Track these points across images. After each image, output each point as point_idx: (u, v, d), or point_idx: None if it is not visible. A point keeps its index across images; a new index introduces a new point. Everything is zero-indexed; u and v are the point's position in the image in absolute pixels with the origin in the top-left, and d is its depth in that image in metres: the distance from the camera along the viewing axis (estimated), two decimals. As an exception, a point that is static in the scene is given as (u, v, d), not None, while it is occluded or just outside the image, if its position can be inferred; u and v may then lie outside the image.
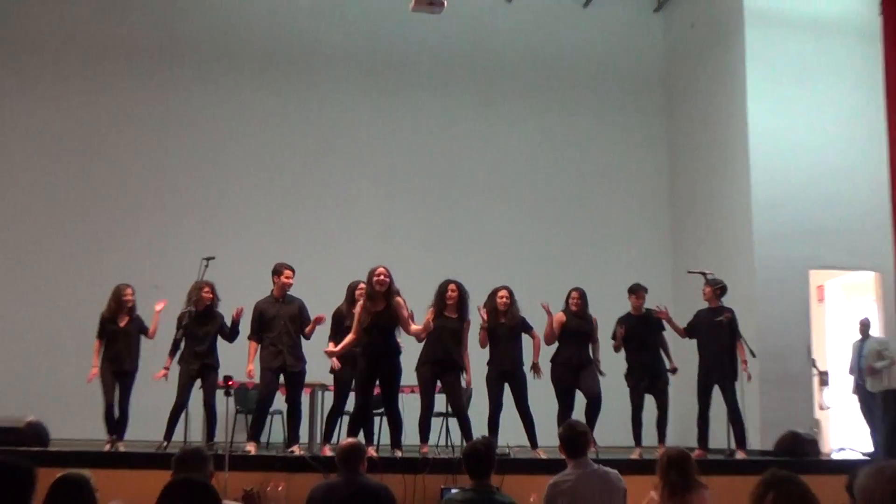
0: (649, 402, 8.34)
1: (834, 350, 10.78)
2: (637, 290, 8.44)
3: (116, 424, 7.86)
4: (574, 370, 8.08)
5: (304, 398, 8.86)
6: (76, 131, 11.04)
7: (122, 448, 7.74)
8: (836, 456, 9.28)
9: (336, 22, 11.78)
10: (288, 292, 7.93)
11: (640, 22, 12.46)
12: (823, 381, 10.63)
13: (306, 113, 11.50)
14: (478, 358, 7.95)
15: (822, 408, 10.59)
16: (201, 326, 7.83)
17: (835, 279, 10.91)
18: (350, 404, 8.10)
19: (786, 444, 8.08)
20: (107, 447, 7.64)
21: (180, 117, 11.25)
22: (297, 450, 7.46)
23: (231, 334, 7.97)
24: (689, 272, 8.80)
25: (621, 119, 12.13)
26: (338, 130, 11.51)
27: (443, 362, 7.65)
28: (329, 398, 8.73)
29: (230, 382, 7.00)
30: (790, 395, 9.79)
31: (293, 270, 7.92)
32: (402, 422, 7.35)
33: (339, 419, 7.98)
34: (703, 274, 8.44)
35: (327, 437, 7.73)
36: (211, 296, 7.91)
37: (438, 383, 7.78)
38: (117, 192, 10.99)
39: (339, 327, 7.86)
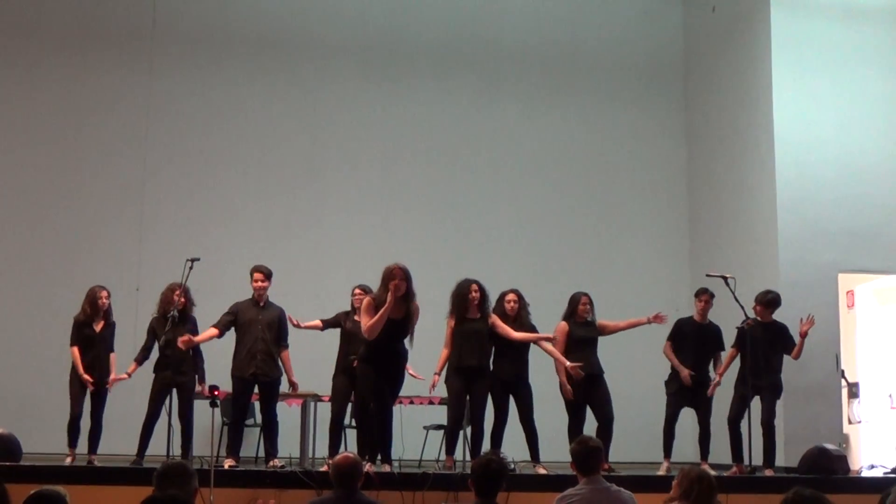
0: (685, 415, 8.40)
1: (865, 360, 10.77)
2: (703, 294, 8.58)
3: (91, 437, 7.94)
4: (584, 382, 8.11)
5: (295, 410, 8.92)
6: (49, 121, 11.02)
7: (96, 462, 7.79)
8: (866, 473, 9.28)
9: (332, 2, 11.77)
10: (269, 298, 7.99)
11: (656, 5, 12.45)
12: (853, 393, 10.63)
13: (300, 101, 11.47)
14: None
15: (851, 422, 10.59)
16: (174, 332, 7.84)
17: (866, 284, 10.89)
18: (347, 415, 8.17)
19: (812, 460, 8.07)
20: (68, 461, 7.69)
21: (164, 107, 11.22)
22: (275, 463, 7.53)
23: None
24: (709, 275, 8.80)
25: (636, 110, 12.11)
26: (333, 121, 11.48)
27: (475, 370, 7.78)
28: (321, 409, 8.78)
29: (216, 393, 7.03)
30: (816, 409, 9.78)
31: (264, 273, 7.96)
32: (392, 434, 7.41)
33: (343, 431, 8.08)
34: (724, 278, 8.47)
35: (333, 450, 7.78)
36: (184, 300, 7.95)
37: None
38: (95, 188, 10.97)
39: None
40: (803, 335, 8.34)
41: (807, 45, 10.52)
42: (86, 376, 7.86)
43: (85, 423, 8.01)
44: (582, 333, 8.22)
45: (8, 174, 10.86)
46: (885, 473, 8.79)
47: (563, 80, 12.03)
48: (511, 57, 11.95)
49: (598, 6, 12.27)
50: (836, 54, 10.54)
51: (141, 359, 8.00)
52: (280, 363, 7.98)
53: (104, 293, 8.06)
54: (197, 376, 8.03)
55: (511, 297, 8.10)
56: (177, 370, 7.85)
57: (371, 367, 7.11)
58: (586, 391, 8.10)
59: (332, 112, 11.50)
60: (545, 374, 8.26)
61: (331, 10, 11.71)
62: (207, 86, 11.36)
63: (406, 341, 7.20)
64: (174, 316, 7.83)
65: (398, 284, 6.96)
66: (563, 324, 8.28)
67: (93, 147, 11.05)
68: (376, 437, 7.29)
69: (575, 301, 8.33)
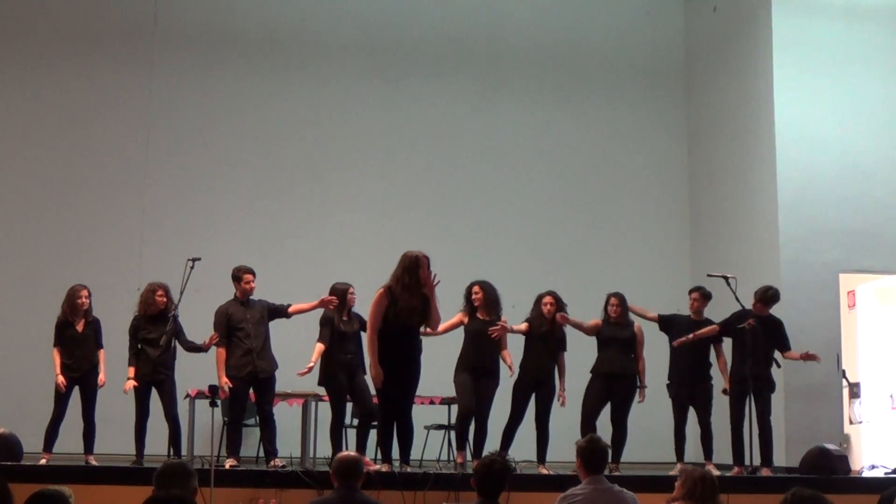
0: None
1: (866, 360, 10.77)
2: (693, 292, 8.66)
3: (85, 437, 7.93)
4: (608, 378, 8.25)
5: (297, 409, 8.92)
6: (50, 120, 11.01)
7: (93, 462, 7.79)
8: (867, 474, 9.28)
9: (333, 1, 11.78)
10: (251, 296, 7.99)
11: (658, 5, 12.45)
12: (854, 393, 10.63)
13: (301, 100, 11.48)
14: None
15: (852, 422, 10.59)
16: (154, 331, 7.89)
17: (867, 284, 10.89)
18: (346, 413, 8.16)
19: (813, 460, 8.08)
20: (42, 461, 7.66)
21: (165, 106, 11.22)
22: (276, 463, 7.52)
23: (189, 348, 8.02)
24: (710, 275, 8.80)
25: (637, 110, 12.12)
26: (334, 120, 11.49)
27: (481, 370, 7.84)
28: (321, 409, 8.77)
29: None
30: (817, 409, 9.78)
31: (254, 274, 7.98)
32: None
33: (344, 430, 8.08)
34: (725, 277, 8.47)
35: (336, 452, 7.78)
36: (164, 299, 7.97)
37: None
38: (95, 187, 10.97)
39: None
40: (804, 358, 8.37)
41: (808, 45, 10.52)
42: (60, 378, 7.88)
43: (78, 424, 7.98)
44: (609, 332, 8.36)
45: (8, 174, 10.86)
46: (886, 474, 8.80)
47: (564, 80, 12.04)
48: (512, 56, 11.96)
49: (600, 6, 12.27)
50: (836, 54, 10.54)
51: (135, 363, 7.98)
52: (274, 356, 7.96)
53: (84, 292, 8.03)
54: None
55: (548, 299, 8.19)
56: (156, 370, 7.87)
57: (386, 368, 7.05)
58: (609, 388, 8.21)
59: (333, 111, 11.51)
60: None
61: (332, 9, 11.72)
62: (208, 85, 11.36)
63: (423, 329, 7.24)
64: (174, 315, 7.88)
65: (430, 280, 7.08)
66: (598, 320, 8.46)
67: (93, 147, 11.05)
68: (379, 435, 7.29)
69: (605, 301, 8.50)
